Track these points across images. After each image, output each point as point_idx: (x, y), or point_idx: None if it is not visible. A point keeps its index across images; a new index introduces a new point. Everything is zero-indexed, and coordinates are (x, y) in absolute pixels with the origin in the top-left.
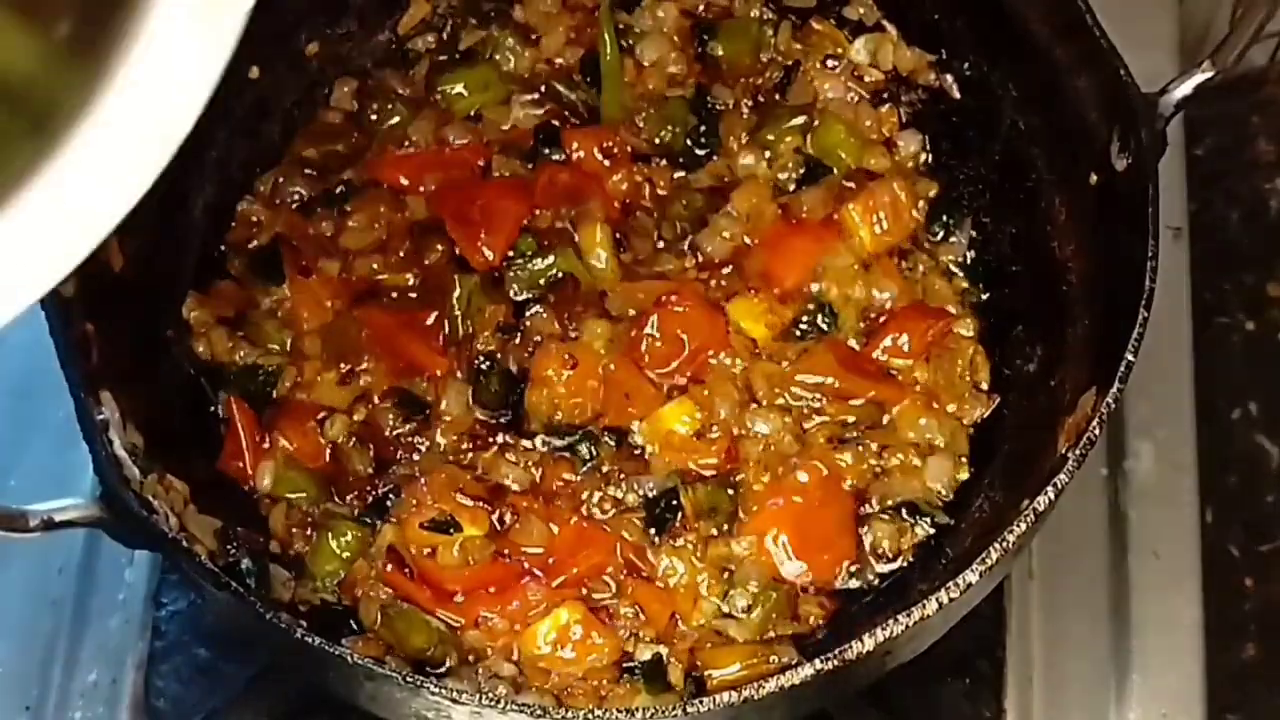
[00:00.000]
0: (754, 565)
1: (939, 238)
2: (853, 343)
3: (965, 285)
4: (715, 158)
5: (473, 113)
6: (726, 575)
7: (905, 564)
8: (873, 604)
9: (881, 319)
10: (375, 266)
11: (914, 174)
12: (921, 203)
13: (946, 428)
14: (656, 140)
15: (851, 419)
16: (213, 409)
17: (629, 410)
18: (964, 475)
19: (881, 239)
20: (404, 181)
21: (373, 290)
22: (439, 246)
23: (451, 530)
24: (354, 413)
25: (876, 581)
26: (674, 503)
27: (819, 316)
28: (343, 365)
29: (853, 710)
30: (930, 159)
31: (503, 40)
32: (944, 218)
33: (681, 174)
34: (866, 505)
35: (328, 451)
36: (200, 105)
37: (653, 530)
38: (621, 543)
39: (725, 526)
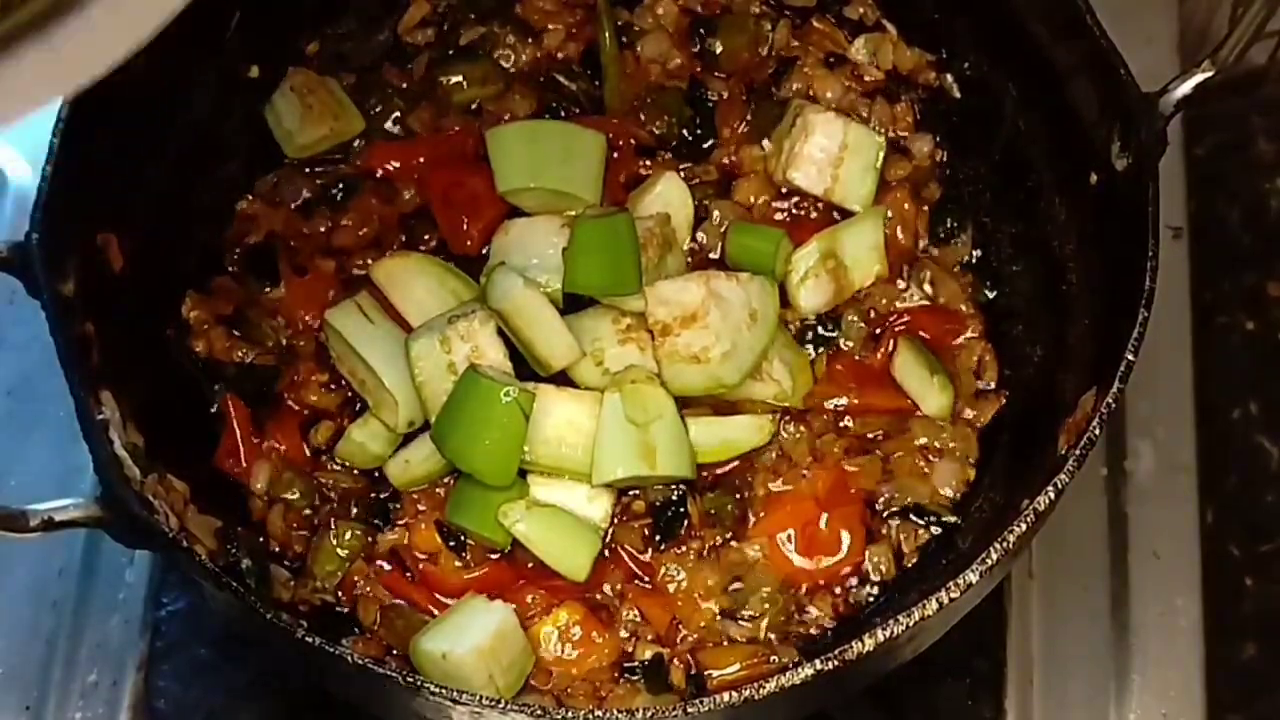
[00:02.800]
0: (764, 571)
1: (943, 240)
2: (859, 350)
3: (972, 285)
4: (717, 148)
5: (473, 105)
6: (733, 586)
7: (909, 565)
8: (875, 605)
9: (898, 320)
10: (370, 262)
11: (930, 177)
12: (925, 207)
13: (959, 432)
14: (654, 130)
15: (871, 434)
16: (213, 409)
17: None
18: (971, 476)
19: (891, 245)
20: (394, 166)
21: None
22: (427, 237)
23: (464, 538)
24: (342, 418)
25: (883, 583)
26: (681, 510)
27: (824, 326)
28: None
29: (853, 710)
30: (944, 158)
31: (503, 37)
32: (948, 221)
33: (687, 165)
34: (875, 508)
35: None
36: None
37: (658, 537)
38: (624, 551)
39: (729, 535)
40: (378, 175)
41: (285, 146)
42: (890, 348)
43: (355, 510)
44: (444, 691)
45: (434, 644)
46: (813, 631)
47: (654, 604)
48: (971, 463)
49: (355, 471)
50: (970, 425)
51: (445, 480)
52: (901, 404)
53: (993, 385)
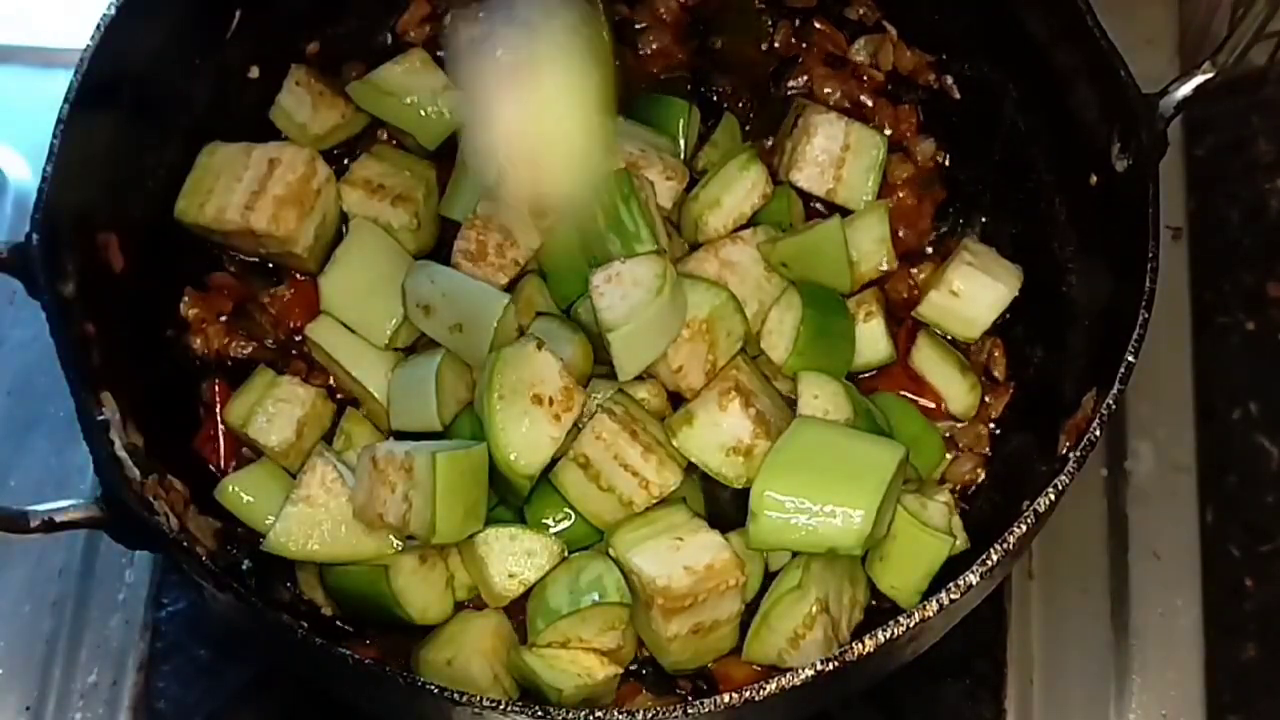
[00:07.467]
0: None
1: (947, 239)
2: None
3: None
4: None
5: None
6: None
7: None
8: (875, 604)
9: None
10: None
11: (933, 178)
12: (929, 205)
13: (973, 428)
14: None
15: None
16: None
17: None
18: (981, 476)
19: (898, 243)
20: None
21: None
22: None
23: None
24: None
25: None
26: None
27: None
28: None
29: (853, 710)
30: (945, 159)
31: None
32: (950, 221)
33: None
34: None
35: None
36: None
37: None
38: None
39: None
40: None
41: (299, 142)
42: (908, 339)
43: None
44: (445, 692)
45: (437, 653)
46: None
47: None
48: (984, 457)
49: None
50: (982, 421)
51: None
52: (921, 397)
53: (1001, 379)
